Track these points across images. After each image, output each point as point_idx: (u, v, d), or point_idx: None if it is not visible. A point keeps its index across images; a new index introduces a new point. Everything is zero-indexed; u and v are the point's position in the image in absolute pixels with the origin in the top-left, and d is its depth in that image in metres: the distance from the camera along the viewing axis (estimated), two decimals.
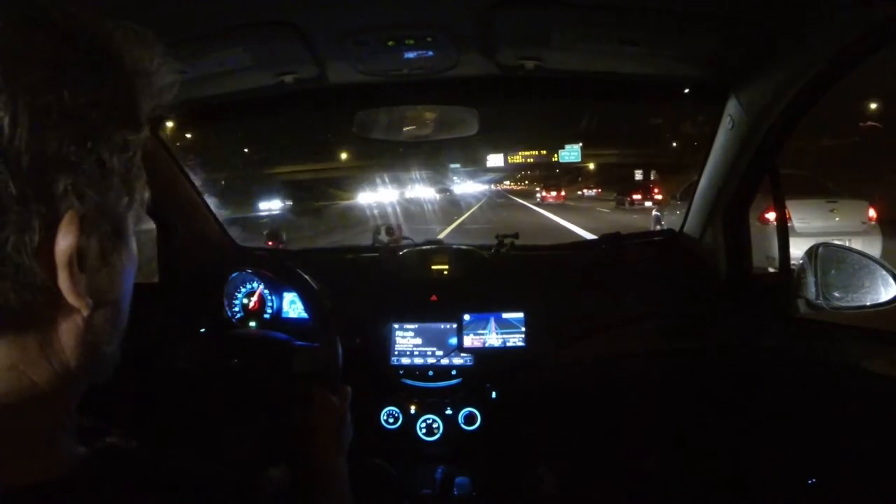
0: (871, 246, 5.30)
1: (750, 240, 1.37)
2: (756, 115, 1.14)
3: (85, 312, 0.34)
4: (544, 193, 30.13)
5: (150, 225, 1.52)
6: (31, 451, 0.33)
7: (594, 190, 35.86)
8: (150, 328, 1.06)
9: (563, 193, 30.82)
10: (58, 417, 0.35)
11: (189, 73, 1.13)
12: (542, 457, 1.40)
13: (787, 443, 1.17)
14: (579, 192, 36.56)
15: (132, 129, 0.35)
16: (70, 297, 0.32)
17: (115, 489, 0.34)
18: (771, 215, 4.28)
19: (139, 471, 0.37)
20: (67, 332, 0.34)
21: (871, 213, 5.89)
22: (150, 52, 0.36)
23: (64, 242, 0.31)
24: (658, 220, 9.14)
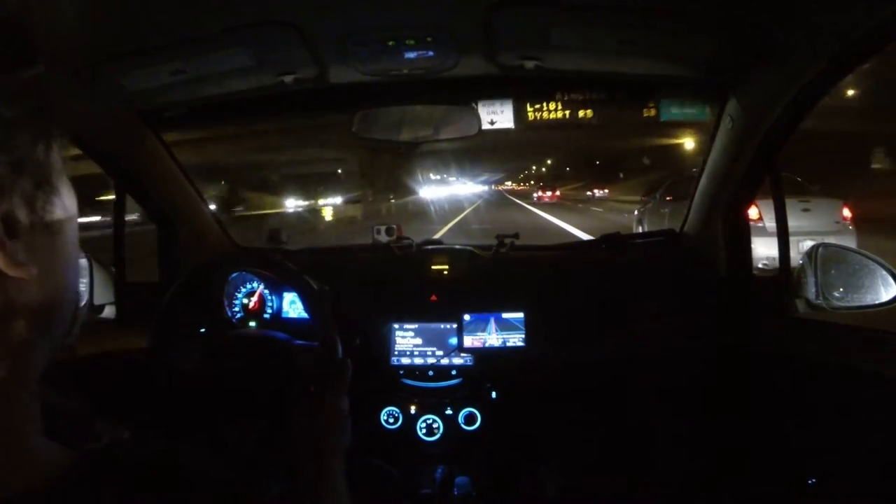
0: None
1: (750, 240, 1.37)
2: (756, 115, 1.14)
3: (31, 278, 0.30)
4: (540, 193, 32.15)
5: (151, 225, 1.52)
6: (6, 456, 0.31)
7: (604, 190, 32.84)
8: (149, 328, 1.06)
9: (557, 193, 32.68)
10: (26, 406, 0.33)
11: (189, 73, 1.13)
12: (542, 457, 1.40)
13: (787, 443, 1.17)
14: (588, 193, 33.98)
15: (28, 67, 0.30)
16: (11, 271, 0.29)
17: (107, 496, 0.32)
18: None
19: (133, 473, 0.35)
20: (17, 308, 0.31)
21: (846, 212, 5.78)
22: None
23: None
24: (640, 220, 9.14)
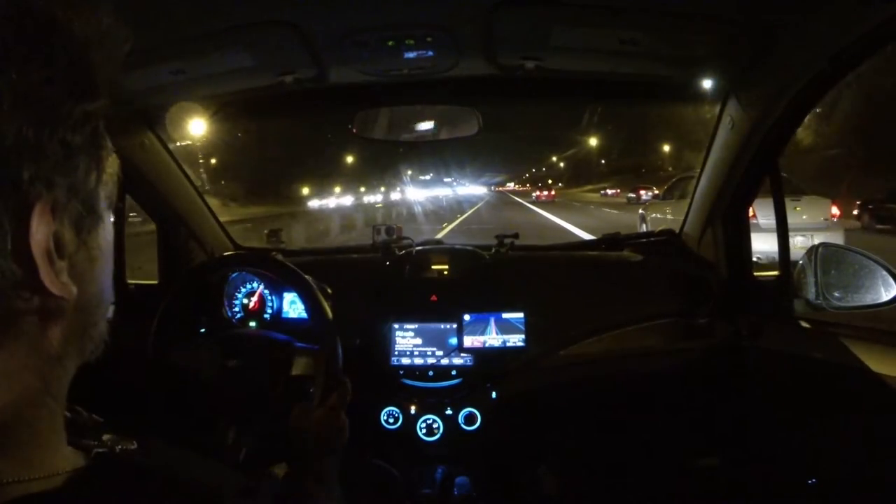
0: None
1: (750, 240, 1.37)
2: (756, 115, 1.14)
3: (71, 298, 0.32)
4: (538, 193, 36.79)
5: (151, 225, 1.52)
6: (31, 459, 0.32)
7: (651, 191, 23.73)
8: (149, 328, 1.06)
9: (552, 193, 37.26)
10: (53, 415, 0.34)
11: (189, 73, 1.13)
12: (542, 457, 1.40)
13: (788, 443, 1.17)
14: (631, 195, 27.24)
15: (90, 100, 0.33)
16: (54, 288, 0.31)
17: (114, 498, 0.33)
18: None
19: (138, 478, 0.36)
20: (54, 323, 0.33)
21: (834, 210, 6.23)
22: (98, 17, 0.33)
23: (39, 234, 0.30)
24: (643, 218, 9.19)
